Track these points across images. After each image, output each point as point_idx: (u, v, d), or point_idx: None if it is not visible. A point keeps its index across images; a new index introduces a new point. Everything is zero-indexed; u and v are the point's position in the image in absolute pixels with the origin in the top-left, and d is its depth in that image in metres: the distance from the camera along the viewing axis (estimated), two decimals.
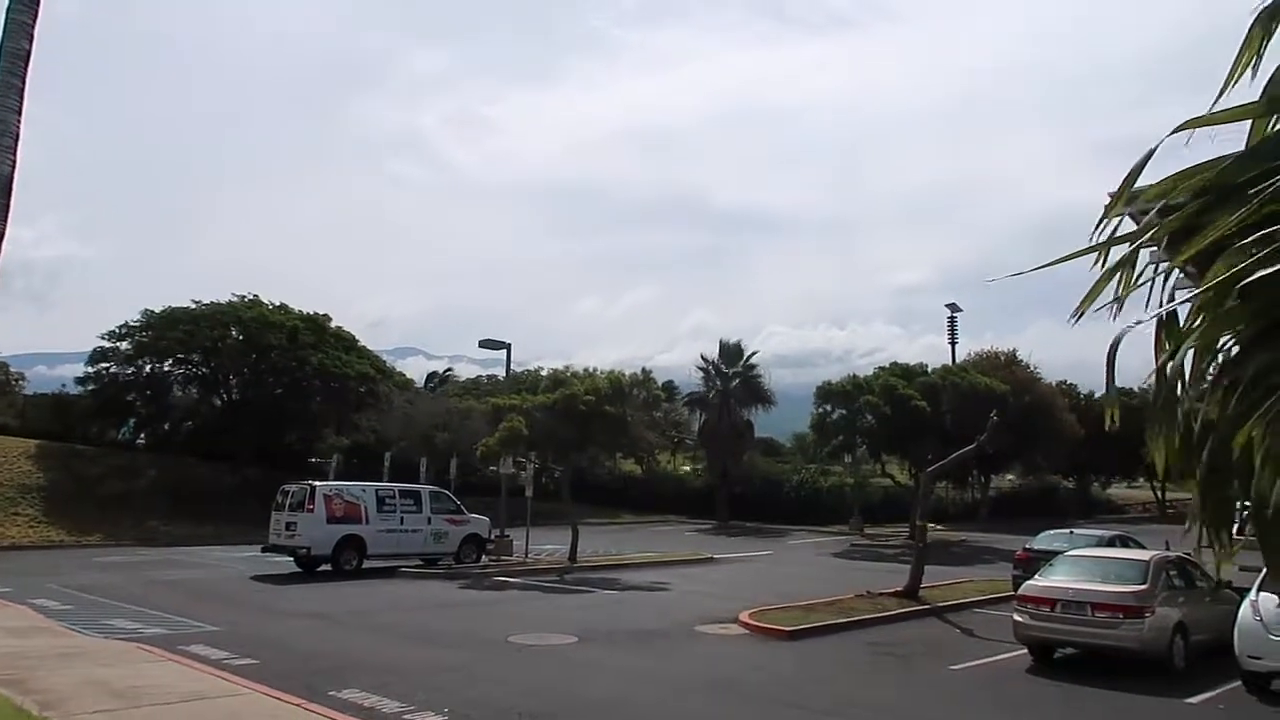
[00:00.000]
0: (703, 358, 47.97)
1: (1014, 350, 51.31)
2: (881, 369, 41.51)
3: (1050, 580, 13.05)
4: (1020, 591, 13.54)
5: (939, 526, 38.80)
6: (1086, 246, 2.51)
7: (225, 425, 39.83)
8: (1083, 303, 2.52)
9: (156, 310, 39.91)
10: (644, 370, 54.50)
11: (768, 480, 48.21)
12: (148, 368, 40.22)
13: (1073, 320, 2.54)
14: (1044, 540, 19.98)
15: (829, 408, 38.71)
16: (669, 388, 56.57)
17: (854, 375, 39.68)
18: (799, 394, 55.21)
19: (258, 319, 39.87)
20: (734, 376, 47.50)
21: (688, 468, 58.66)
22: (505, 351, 29.98)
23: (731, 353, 47.71)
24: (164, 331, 38.89)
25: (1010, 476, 58.90)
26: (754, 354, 48.03)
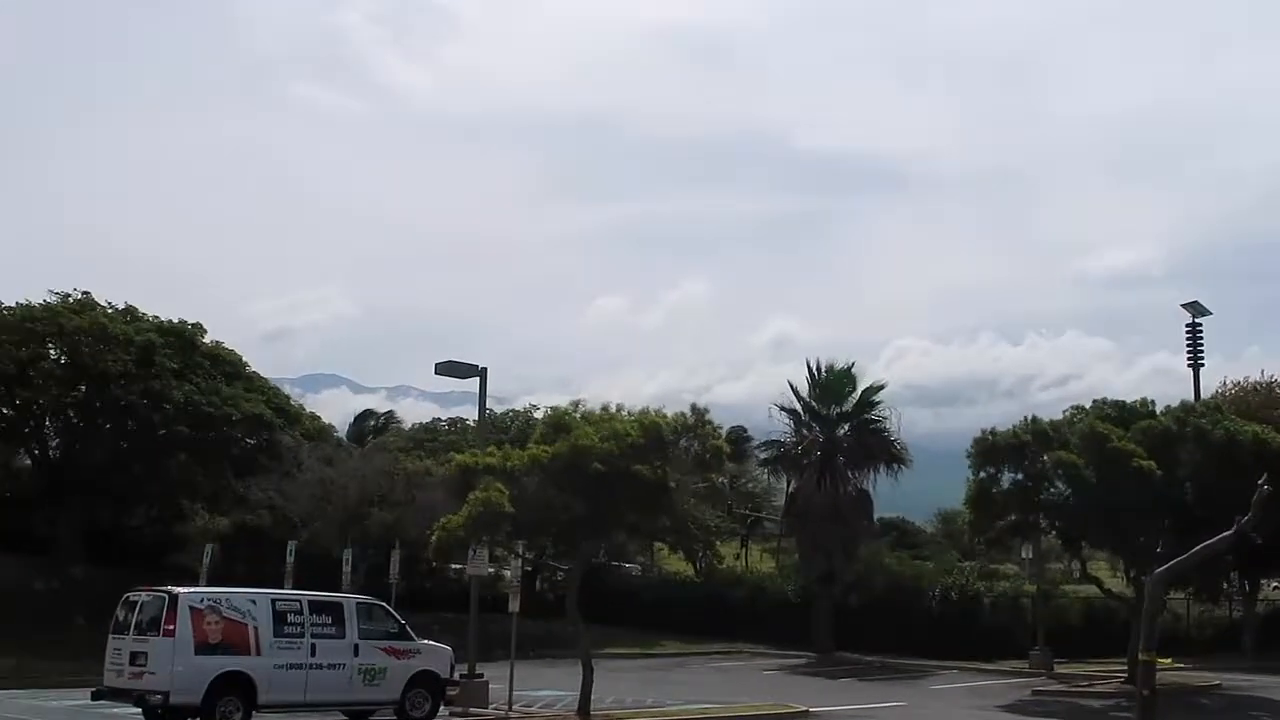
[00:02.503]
0: (792, 390, 48.08)
1: None
2: (1079, 408, 41.13)
3: None
4: None
5: (1176, 662, 38.24)
6: None
7: (38, 497, 40.35)
8: None
9: None
10: (697, 410, 54.43)
11: (897, 586, 47.93)
12: None
13: None
14: None
15: (995, 470, 38.43)
16: (738, 437, 56.55)
17: (1034, 418, 39.35)
18: (945, 447, 54.91)
19: (91, 330, 40.48)
20: (841, 419, 47.47)
21: (769, 566, 58.49)
22: (478, 380, 30.10)
23: (836, 382, 47.63)
24: None
25: None
26: (875, 386, 48.02)
